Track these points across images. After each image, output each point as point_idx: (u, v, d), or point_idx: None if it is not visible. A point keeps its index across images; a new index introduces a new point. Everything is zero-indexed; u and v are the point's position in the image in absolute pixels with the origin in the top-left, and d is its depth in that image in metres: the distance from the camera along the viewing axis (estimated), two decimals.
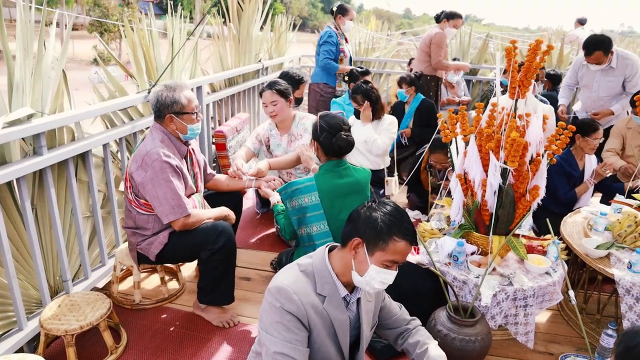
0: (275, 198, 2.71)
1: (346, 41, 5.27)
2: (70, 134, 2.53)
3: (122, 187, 2.97)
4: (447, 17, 5.04)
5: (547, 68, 6.07)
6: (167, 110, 2.37)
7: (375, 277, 1.54)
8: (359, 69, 4.89)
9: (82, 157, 2.61)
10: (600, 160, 3.64)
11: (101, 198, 2.86)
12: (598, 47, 3.92)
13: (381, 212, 1.55)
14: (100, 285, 2.84)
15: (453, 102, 5.91)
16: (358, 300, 1.70)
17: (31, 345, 2.32)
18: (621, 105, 4.12)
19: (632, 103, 3.87)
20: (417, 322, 1.93)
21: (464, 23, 5.29)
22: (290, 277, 1.59)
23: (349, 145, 2.51)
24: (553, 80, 5.43)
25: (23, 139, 2.22)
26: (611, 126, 4.04)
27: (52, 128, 2.28)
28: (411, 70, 5.72)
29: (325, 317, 1.59)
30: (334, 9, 5.22)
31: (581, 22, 8.91)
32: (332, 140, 2.47)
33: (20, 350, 2.22)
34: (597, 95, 4.22)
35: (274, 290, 1.55)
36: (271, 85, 3.31)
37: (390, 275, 1.56)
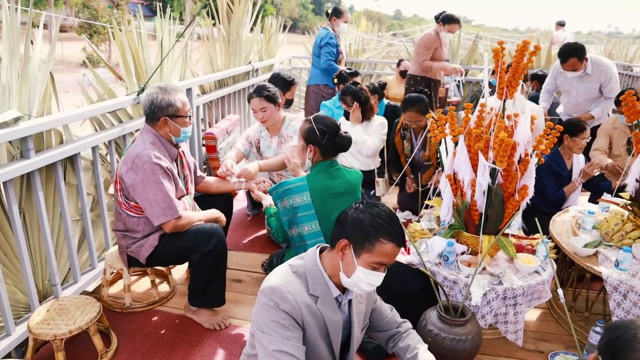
0: (267, 201, 2.70)
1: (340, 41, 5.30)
2: (58, 136, 2.51)
3: (111, 190, 2.95)
4: (443, 21, 4.99)
5: (536, 68, 6.12)
6: (161, 113, 2.35)
7: (363, 279, 1.54)
8: (348, 70, 4.91)
9: (71, 160, 2.59)
10: (587, 159, 3.68)
11: (90, 201, 2.84)
12: (572, 54, 4.02)
13: (368, 214, 1.55)
14: (90, 289, 2.82)
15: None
16: (350, 301, 1.71)
17: (19, 351, 2.30)
18: (600, 109, 4.24)
19: (617, 103, 3.92)
20: (408, 324, 1.94)
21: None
22: (283, 277, 1.59)
23: (350, 142, 2.55)
24: (541, 81, 5.47)
25: (10, 142, 2.21)
26: (596, 126, 4.10)
27: (40, 131, 2.26)
28: (402, 71, 5.74)
29: (319, 317, 1.60)
30: (329, 11, 5.23)
31: (561, 24, 9.12)
32: (336, 141, 2.48)
33: (8, 355, 2.20)
34: (576, 100, 4.33)
35: (267, 290, 1.55)
36: (259, 92, 3.28)
37: (377, 277, 1.56)
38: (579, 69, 4.08)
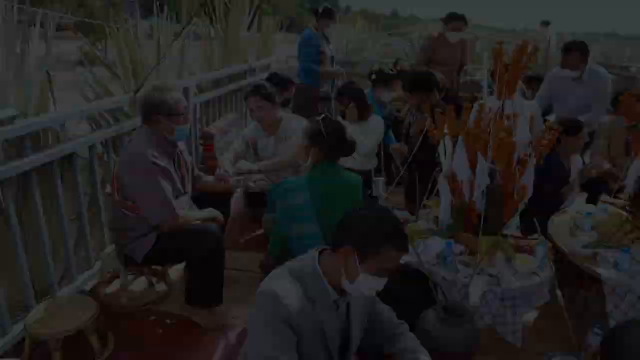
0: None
1: (327, 41, 5.19)
2: (55, 135, 2.49)
3: (109, 189, 2.94)
4: (445, 21, 4.93)
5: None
6: (155, 112, 2.34)
7: (366, 285, 1.53)
8: (390, 73, 4.88)
9: (68, 159, 2.57)
10: (584, 160, 3.68)
11: (87, 200, 2.82)
12: (576, 47, 3.98)
13: (373, 221, 1.53)
14: (87, 288, 2.80)
15: None
16: (348, 304, 1.69)
17: (16, 350, 2.28)
18: (589, 116, 4.16)
19: (614, 105, 3.91)
20: (406, 326, 1.92)
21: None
22: (280, 281, 1.57)
23: (354, 149, 2.55)
24: (537, 80, 5.44)
25: (6, 140, 2.19)
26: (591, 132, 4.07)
27: (37, 130, 2.25)
28: (398, 71, 5.73)
29: (316, 321, 1.58)
30: (320, 10, 5.14)
31: (544, 23, 9.16)
32: (343, 145, 2.47)
33: (5, 355, 2.19)
34: (575, 106, 4.22)
35: (264, 294, 1.53)
36: (256, 91, 3.27)
37: (380, 283, 1.55)
38: (578, 67, 4.03)
